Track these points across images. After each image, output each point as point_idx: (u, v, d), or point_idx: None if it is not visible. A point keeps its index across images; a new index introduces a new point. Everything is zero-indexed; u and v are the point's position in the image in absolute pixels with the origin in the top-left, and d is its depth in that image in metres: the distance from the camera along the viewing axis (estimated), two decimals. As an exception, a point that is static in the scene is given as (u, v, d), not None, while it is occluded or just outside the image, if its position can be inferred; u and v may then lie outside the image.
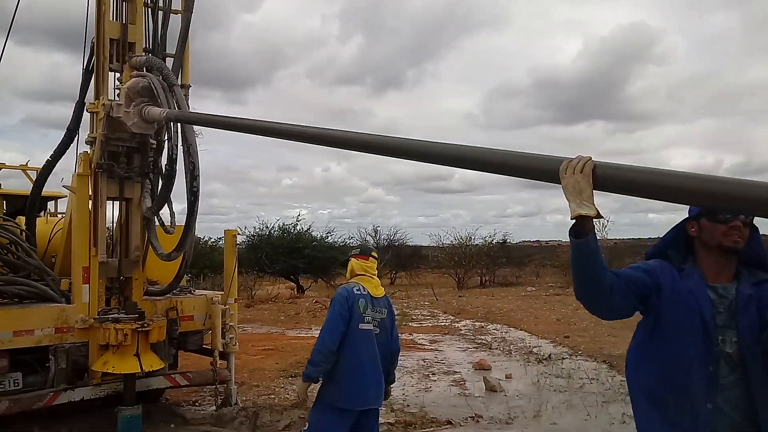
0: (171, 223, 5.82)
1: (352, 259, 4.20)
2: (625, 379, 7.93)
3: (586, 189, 1.75)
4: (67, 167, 6.18)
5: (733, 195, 1.47)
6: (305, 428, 3.99)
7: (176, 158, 5.42)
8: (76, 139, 6.09)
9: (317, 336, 3.92)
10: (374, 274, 4.16)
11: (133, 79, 5.27)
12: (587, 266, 2.03)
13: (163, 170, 5.60)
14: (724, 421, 2.06)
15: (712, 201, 1.57)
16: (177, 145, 5.37)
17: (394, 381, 4.39)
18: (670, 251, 2.32)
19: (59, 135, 6.21)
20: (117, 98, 5.44)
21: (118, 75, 5.69)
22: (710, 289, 2.18)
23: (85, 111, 5.90)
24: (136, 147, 5.67)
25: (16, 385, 5.16)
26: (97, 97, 5.67)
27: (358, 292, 3.97)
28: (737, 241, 2.14)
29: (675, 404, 2.13)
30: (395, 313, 4.29)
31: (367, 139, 2.53)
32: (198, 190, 5.22)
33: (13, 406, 4.98)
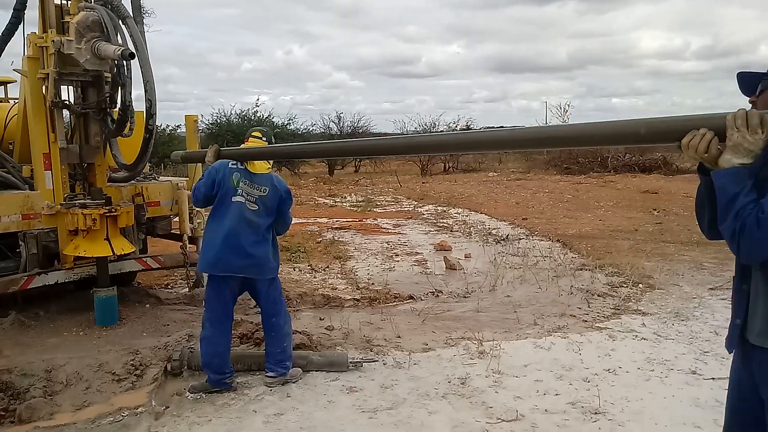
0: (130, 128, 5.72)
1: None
2: (575, 255, 8.42)
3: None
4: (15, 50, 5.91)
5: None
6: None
7: (129, 104, 5.46)
8: (23, 19, 5.77)
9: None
10: None
11: (82, 12, 4.95)
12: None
13: (116, 115, 5.53)
14: None
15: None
16: (131, 80, 5.41)
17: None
18: None
19: (4, 16, 5.88)
20: (66, 34, 5.08)
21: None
22: None
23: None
24: (90, 81, 5.46)
25: (-11, 269, 5.27)
26: (44, 30, 5.33)
27: (233, 166, 4.21)
28: None
29: None
30: (290, 196, 4.38)
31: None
32: (153, 127, 5.34)
33: (-11, 290, 5.11)
